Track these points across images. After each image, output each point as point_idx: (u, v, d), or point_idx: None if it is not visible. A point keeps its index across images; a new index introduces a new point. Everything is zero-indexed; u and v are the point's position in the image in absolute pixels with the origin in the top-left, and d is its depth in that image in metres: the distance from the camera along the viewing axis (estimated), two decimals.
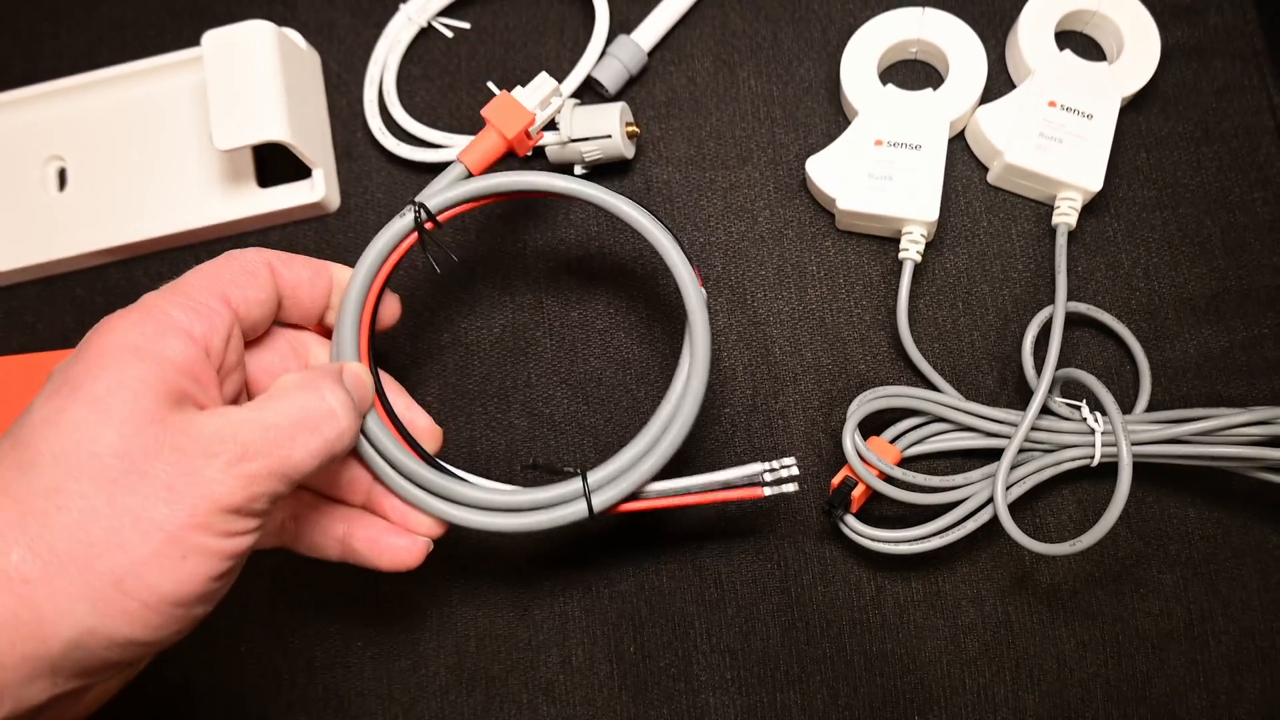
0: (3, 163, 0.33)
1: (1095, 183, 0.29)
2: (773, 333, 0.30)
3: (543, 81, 0.26)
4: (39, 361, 0.30)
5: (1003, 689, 0.27)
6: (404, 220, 0.24)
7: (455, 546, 0.29)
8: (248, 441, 0.19)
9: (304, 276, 0.23)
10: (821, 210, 0.31)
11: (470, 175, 0.26)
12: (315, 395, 0.21)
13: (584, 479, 0.24)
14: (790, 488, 0.24)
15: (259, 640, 0.29)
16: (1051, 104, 0.29)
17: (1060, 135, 0.29)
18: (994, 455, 0.28)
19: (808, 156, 0.30)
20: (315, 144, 0.31)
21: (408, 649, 0.28)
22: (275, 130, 0.29)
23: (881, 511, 0.28)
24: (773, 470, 0.24)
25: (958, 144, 0.31)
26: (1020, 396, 0.29)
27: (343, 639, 0.29)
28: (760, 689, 0.28)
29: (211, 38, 0.30)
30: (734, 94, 0.32)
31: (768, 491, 0.24)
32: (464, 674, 0.28)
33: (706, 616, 0.28)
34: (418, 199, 0.25)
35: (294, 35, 0.32)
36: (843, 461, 0.28)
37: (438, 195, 0.25)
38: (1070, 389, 0.28)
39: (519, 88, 0.27)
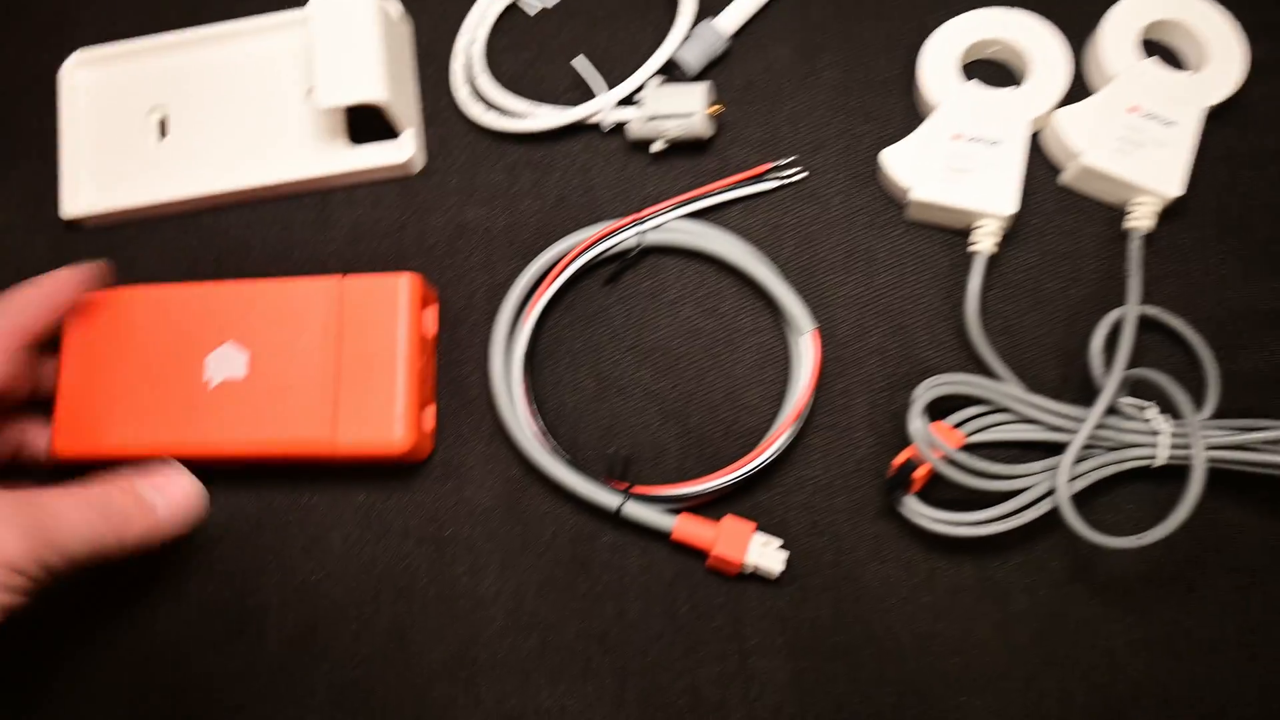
0: (110, 110, 0.34)
1: (1173, 189, 0.29)
2: (838, 315, 0.31)
3: (774, 550, 0.28)
4: (163, 295, 0.30)
5: (1051, 680, 0.28)
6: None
7: (520, 496, 0.30)
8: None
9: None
10: (892, 201, 0.31)
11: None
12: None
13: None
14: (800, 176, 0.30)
15: (331, 572, 0.30)
16: (1133, 109, 0.29)
17: (1140, 141, 0.29)
18: (1052, 450, 0.28)
19: (881, 146, 0.31)
20: (406, 107, 0.33)
21: (469, 591, 0.29)
22: (375, 91, 0.30)
23: (938, 496, 0.29)
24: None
25: (1031, 144, 0.31)
26: (1083, 393, 0.29)
27: (409, 577, 0.30)
28: (809, 656, 0.28)
29: (317, 1, 0.31)
30: (811, 83, 0.33)
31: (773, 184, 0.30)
32: (522, 619, 0.29)
33: (760, 582, 0.29)
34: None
35: (391, 2, 0.34)
36: (901, 445, 0.29)
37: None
38: (1136, 389, 0.28)
39: (757, 537, 0.28)
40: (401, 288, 0.29)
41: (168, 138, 0.34)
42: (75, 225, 0.34)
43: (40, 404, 0.30)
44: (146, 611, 0.30)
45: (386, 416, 0.28)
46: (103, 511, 0.25)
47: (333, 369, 0.28)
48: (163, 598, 0.30)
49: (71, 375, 0.29)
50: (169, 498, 0.27)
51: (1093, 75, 0.31)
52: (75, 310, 0.30)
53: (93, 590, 0.30)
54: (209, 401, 0.29)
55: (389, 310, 0.29)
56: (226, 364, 0.29)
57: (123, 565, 0.31)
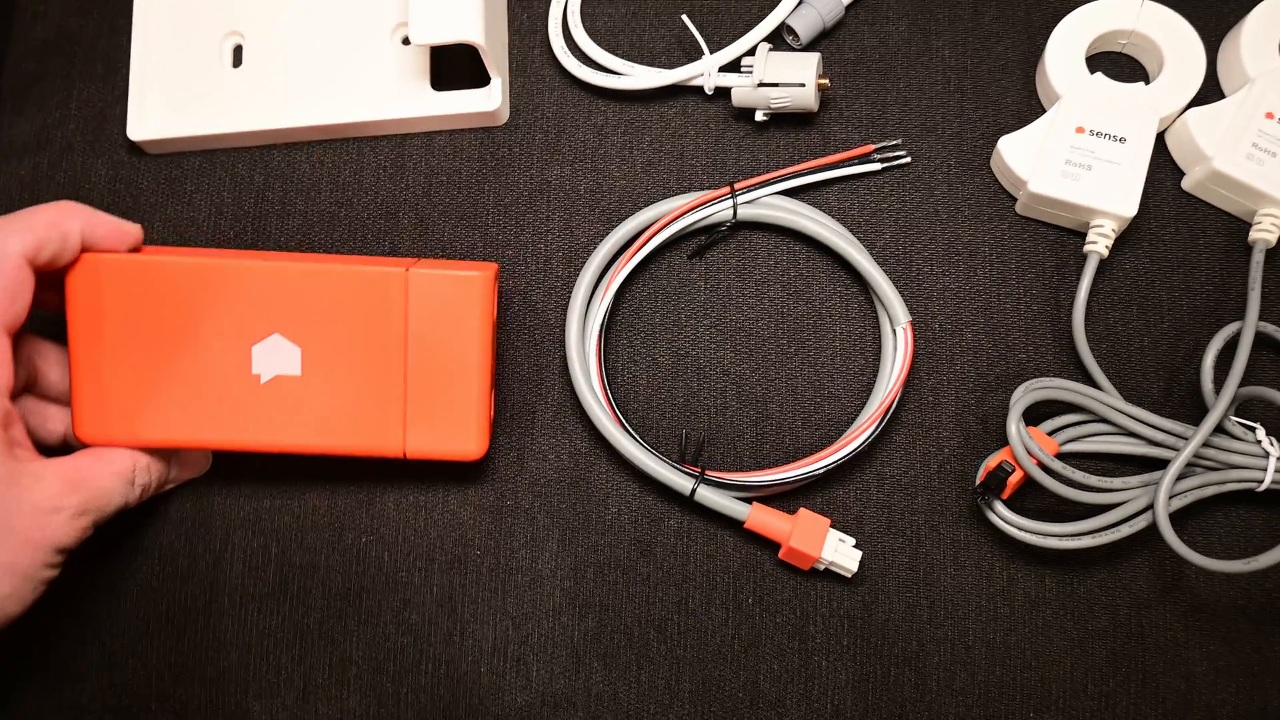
0: (184, 33, 0.33)
1: None
2: (934, 308, 0.29)
3: (849, 548, 0.27)
4: (196, 267, 0.25)
5: (1126, 700, 0.27)
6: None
7: (586, 471, 0.29)
8: (83, 500, 0.24)
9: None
10: (1001, 192, 0.30)
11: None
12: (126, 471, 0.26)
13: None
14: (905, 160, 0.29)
15: (382, 535, 0.29)
16: (1269, 115, 0.28)
17: (1275, 149, 0.28)
18: (1150, 465, 0.27)
19: (995, 134, 0.29)
20: (498, 54, 0.31)
21: (526, 566, 0.29)
22: (471, 31, 0.29)
23: (1024, 504, 0.28)
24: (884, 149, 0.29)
25: (1154, 144, 0.29)
26: (1186, 409, 0.28)
27: (463, 547, 0.29)
28: (875, 660, 0.27)
29: None
30: (925, 62, 0.31)
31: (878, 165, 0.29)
32: (579, 599, 0.28)
33: (830, 580, 0.28)
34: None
35: None
36: (989, 449, 0.27)
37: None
38: (1242, 409, 0.27)
39: (832, 533, 0.26)
40: (478, 286, 0.25)
41: (242, 66, 0.33)
42: (138, 150, 0.33)
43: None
44: (187, 563, 0.29)
45: (463, 425, 0.26)
46: (130, 482, 0.26)
47: (398, 370, 0.26)
48: (205, 549, 0.29)
49: (87, 351, 0.25)
50: (185, 472, 0.29)
51: (1226, 77, 0.30)
52: (86, 271, 0.25)
53: (133, 540, 0.30)
54: (261, 399, 0.25)
55: (464, 310, 0.25)
56: (278, 358, 0.26)
57: (167, 517, 0.30)
